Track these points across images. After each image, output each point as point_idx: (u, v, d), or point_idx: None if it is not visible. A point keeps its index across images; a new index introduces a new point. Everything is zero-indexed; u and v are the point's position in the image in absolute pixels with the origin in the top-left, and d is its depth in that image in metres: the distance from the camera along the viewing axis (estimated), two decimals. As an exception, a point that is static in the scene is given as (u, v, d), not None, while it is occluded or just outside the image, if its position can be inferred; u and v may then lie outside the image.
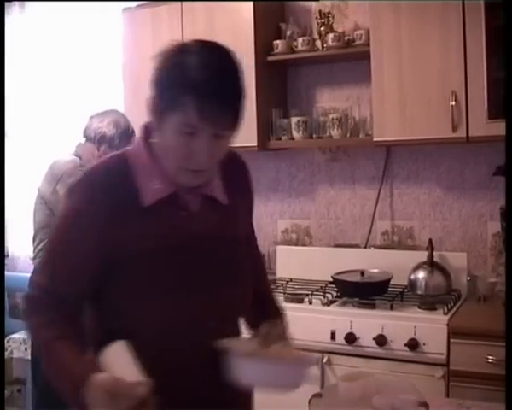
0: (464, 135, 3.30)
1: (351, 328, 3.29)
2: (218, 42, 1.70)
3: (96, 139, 3.52)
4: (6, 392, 5.07)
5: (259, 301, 1.91)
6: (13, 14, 5.20)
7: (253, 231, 2.01)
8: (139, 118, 4.37)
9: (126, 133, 3.57)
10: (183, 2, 4.00)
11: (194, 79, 1.55)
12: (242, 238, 1.85)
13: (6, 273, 5.09)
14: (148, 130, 1.76)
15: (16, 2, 5.15)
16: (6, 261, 5.26)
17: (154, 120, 1.67)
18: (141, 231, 1.66)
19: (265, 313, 1.92)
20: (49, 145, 5.11)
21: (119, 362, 1.51)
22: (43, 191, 3.42)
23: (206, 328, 1.68)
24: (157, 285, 1.66)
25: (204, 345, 1.68)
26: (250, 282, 1.83)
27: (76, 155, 3.50)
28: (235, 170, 1.89)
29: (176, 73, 1.59)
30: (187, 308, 1.67)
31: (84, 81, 4.95)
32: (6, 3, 5.15)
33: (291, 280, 3.96)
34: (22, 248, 5.24)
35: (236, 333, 1.84)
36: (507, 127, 2.00)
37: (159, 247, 1.66)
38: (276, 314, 1.98)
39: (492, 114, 3.18)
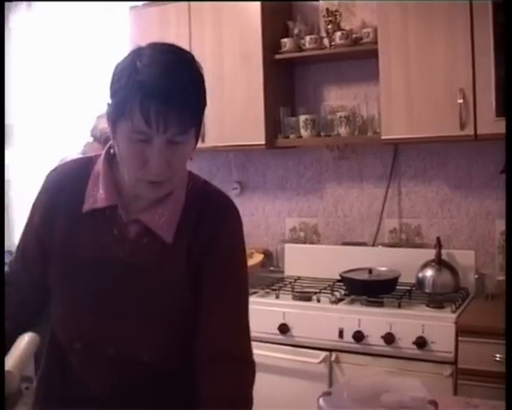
0: (472, 133, 3.30)
1: (359, 326, 3.29)
2: (176, 45, 1.61)
3: (102, 139, 3.52)
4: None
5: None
6: (20, 13, 5.21)
7: (219, 297, 1.64)
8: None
9: None
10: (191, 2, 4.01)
11: (141, 81, 1.46)
12: (176, 283, 1.63)
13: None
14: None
15: (23, 2, 5.16)
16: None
17: (110, 129, 1.57)
18: (73, 236, 1.64)
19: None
20: (56, 144, 5.13)
21: (17, 349, 1.63)
22: None
23: (103, 352, 1.63)
24: (66, 294, 1.66)
25: (105, 370, 1.66)
26: (164, 326, 1.64)
27: (83, 154, 3.51)
28: (208, 210, 1.67)
29: (124, 76, 1.49)
30: (88, 325, 1.64)
31: (91, 80, 4.96)
32: (14, 3, 5.17)
33: (299, 278, 3.97)
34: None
35: (145, 370, 1.66)
36: (507, 127, 2.00)
37: (83, 256, 1.62)
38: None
39: (500, 112, 3.17)
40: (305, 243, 4.26)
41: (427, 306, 3.36)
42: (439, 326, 3.15)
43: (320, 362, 3.36)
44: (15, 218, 5.29)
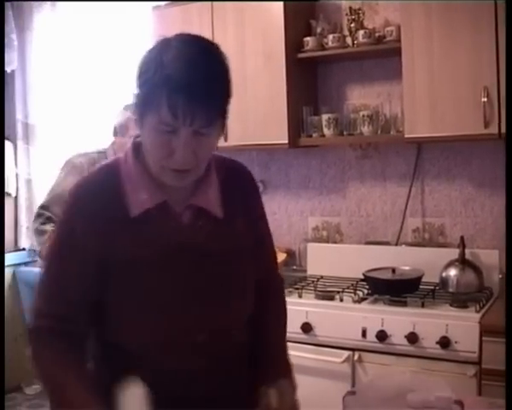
0: (496, 131, 3.27)
1: (382, 325, 3.28)
2: (204, 36, 1.63)
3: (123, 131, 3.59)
4: (38, 387, 5.12)
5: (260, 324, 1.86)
6: (44, 13, 5.25)
7: (261, 242, 1.90)
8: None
9: None
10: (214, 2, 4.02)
11: (168, 74, 1.49)
12: (240, 252, 1.76)
13: (37, 270, 5.15)
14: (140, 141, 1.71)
15: (48, 2, 5.20)
16: (36, 258, 5.30)
17: (137, 121, 1.62)
18: (130, 242, 1.63)
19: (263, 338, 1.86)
20: (79, 143, 5.16)
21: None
22: None
23: (195, 341, 1.65)
24: (146, 296, 1.63)
25: (194, 358, 1.66)
26: (245, 296, 1.77)
27: (112, 152, 3.51)
28: (236, 182, 1.83)
29: (151, 69, 1.53)
30: (174, 320, 1.64)
31: (114, 80, 4.98)
32: (38, 2, 5.21)
33: (322, 277, 3.96)
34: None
35: (233, 344, 1.77)
36: (507, 128, 1.99)
37: (147, 257, 1.63)
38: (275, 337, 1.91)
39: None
40: (327, 242, 4.26)
41: (451, 305, 3.34)
42: (462, 326, 3.13)
43: (343, 362, 3.36)
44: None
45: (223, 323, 1.72)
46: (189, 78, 1.49)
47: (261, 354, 1.82)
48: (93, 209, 1.64)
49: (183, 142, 1.53)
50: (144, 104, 1.55)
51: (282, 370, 1.81)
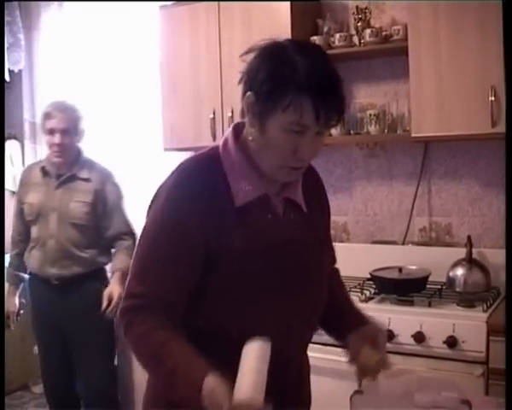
0: (504, 130, 3.25)
1: (389, 325, 3.27)
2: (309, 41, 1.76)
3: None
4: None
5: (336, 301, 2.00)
6: (51, 12, 5.26)
7: (329, 239, 2.07)
8: (176, 115, 4.44)
9: None
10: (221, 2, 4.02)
11: (309, 78, 1.56)
12: (321, 244, 1.90)
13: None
14: (238, 128, 1.77)
15: (55, 2, 5.21)
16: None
17: (252, 119, 1.66)
18: (235, 231, 1.67)
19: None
20: (83, 145, 5.17)
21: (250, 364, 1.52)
22: None
23: (291, 328, 1.74)
24: (249, 284, 1.69)
25: (288, 345, 1.74)
26: (325, 284, 1.90)
27: None
28: (311, 180, 1.91)
29: (287, 72, 1.58)
30: (274, 308, 1.71)
31: (121, 78, 4.98)
32: (45, 2, 5.22)
33: (328, 277, 3.95)
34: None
35: (313, 332, 1.93)
36: (507, 127, 1.98)
37: (249, 247, 1.68)
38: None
39: (533, 110, 3.14)
40: (334, 241, 4.20)
41: (458, 305, 3.34)
42: (469, 326, 3.13)
43: (350, 361, 3.35)
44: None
45: (312, 309, 1.85)
46: (326, 82, 1.59)
47: (344, 312, 2.02)
48: (200, 196, 1.67)
49: (309, 141, 1.62)
50: (275, 104, 1.59)
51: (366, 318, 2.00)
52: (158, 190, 1.75)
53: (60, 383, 4.11)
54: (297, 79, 1.56)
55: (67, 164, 3.94)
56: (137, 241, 1.76)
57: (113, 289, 3.80)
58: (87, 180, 3.94)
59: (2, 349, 3.59)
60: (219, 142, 1.79)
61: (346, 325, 1.93)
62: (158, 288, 1.67)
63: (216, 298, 1.69)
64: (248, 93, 1.65)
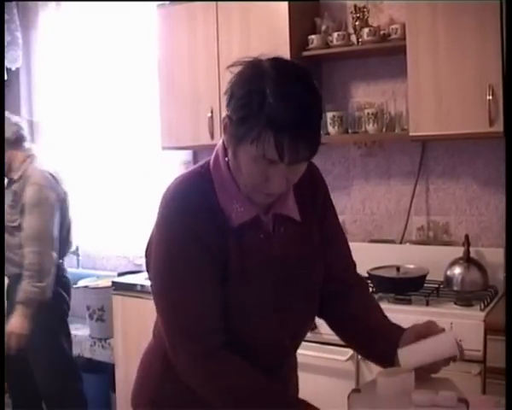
0: (501, 130, 3.27)
1: (386, 324, 3.27)
2: (297, 63, 1.65)
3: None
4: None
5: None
6: (49, 11, 5.26)
7: (338, 232, 1.99)
8: (174, 113, 4.44)
9: None
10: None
11: (275, 112, 1.50)
12: (316, 250, 1.84)
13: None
14: (225, 147, 1.71)
15: (53, 2, 5.21)
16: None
17: (229, 142, 1.63)
18: (232, 250, 1.66)
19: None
20: (82, 141, 5.19)
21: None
22: None
23: (283, 345, 1.76)
24: (242, 302, 1.67)
25: (280, 356, 1.78)
26: (317, 296, 1.87)
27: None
28: (308, 184, 1.85)
29: (253, 103, 1.52)
30: (268, 326, 1.71)
31: (119, 78, 4.99)
32: (42, 2, 5.22)
33: (326, 275, 3.95)
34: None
35: (297, 347, 1.92)
36: (507, 126, 1.98)
37: (245, 267, 1.66)
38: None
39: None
40: (332, 240, 4.24)
41: (456, 304, 3.34)
42: (467, 324, 3.13)
43: (347, 360, 3.35)
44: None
45: (303, 324, 1.86)
46: (294, 118, 1.51)
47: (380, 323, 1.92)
48: (206, 217, 1.64)
49: (279, 173, 1.57)
50: (244, 134, 1.55)
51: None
52: (157, 226, 1.70)
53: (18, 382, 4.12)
54: (264, 113, 1.50)
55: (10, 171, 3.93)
56: (152, 277, 1.73)
57: (13, 326, 3.68)
58: (14, 182, 3.92)
59: (2, 349, 3.59)
60: (210, 158, 1.76)
61: (389, 343, 1.79)
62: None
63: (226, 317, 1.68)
64: (224, 115, 1.62)
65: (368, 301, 2.01)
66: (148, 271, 1.79)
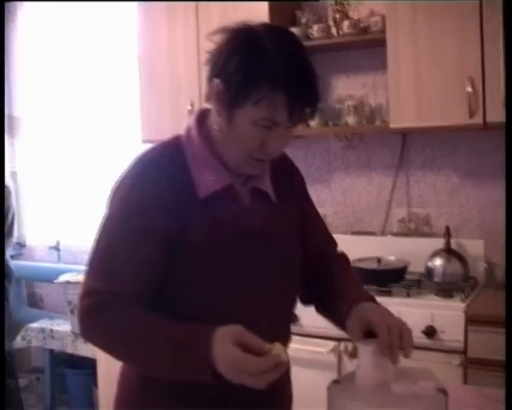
0: (481, 121, 3.28)
1: (368, 315, 3.28)
2: (284, 28, 1.68)
3: None
4: (25, 380, 5.13)
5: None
6: (28, 6, 5.22)
7: (316, 214, 2.00)
8: (154, 107, 4.42)
9: None
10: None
11: (285, 73, 1.49)
12: (292, 235, 1.79)
13: (24, 263, 5.14)
14: (202, 117, 1.70)
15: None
16: (23, 251, 5.31)
17: (219, 108, 1.58)
18: (198, 223, 1.60)
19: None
20: (62, 136, 5.17)
21: None
22: None
23: (259, 324, 1.54)
24: (212, 278, 1.61)
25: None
26: (297, 278, 1.80)
27: None
28: (280, 165, 1.80)
29: (261, 63, 1.50)
30: (239, 302, 1.64)
31: (99, 74, 4.97)
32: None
33: (307, 268, 3.96)
34: (39, 237, 5.30)
35: (286, 329, 1.82)
36: (507, 126, 1.98)
37: (213, 240, 1.60)
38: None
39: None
40: (313, 232, 4.24)
41: (436, 295, 3.36)
42: (448, 315, 3.15)
43: (329, 352, 3.36)
44: (23, 209, 5.31)
45: (281, 307, 1.77)
46: (301, 78, 1.52)
47: (344, 289, 1.83)
48: (163, 187, 1.60)
49: (279, 135, 1.57)
50: (246, 96, 1.52)
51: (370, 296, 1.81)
52: (118, 181, 1.67)
53: None
54: (272, 73, 1.48)
55: None
56: (97, 233, 1.66)
57: None
58: None
59: (2, 348, 3.58)
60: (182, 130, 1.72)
61: (342, 308, 1.74)
62: (124, 282, 1.58)
63: (181, 291, 1.62)
64: (217, 81, 1.55)
65: (347, 274, 1.94)
66: None
